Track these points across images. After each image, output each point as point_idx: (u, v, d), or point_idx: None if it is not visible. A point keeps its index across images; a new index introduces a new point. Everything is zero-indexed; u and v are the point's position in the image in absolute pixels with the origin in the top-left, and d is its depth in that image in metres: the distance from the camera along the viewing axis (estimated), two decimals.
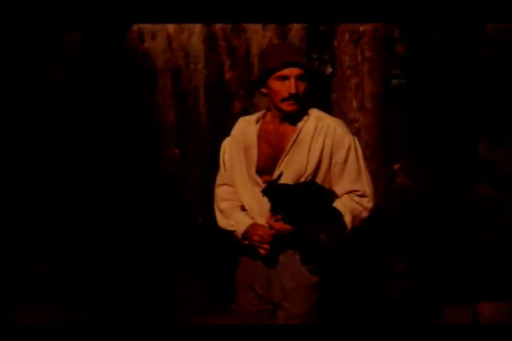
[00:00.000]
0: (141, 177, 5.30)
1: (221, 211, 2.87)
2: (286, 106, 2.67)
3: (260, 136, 2.77)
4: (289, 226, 2.66)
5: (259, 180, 2.74)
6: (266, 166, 2.73)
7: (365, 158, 3.74)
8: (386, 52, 3.78)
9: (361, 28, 3.70)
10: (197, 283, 5.03)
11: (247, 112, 5.38)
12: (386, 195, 4.41)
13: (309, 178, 2.70)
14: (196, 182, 5.34)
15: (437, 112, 6.22)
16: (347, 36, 3.72)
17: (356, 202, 2.73)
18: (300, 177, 2.70)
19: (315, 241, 2.61)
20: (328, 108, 4.51)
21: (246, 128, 2.80)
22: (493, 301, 4.46)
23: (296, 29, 5.28)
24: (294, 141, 2.71)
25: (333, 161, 2.71)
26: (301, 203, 2.66)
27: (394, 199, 5.50)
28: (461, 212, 5.25)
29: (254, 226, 2.72)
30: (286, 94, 2.65)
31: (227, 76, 5.27)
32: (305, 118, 2.73)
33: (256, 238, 2.69)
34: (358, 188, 2.74)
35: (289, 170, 2.70)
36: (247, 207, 2.79)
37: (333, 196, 2.72)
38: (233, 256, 5.14)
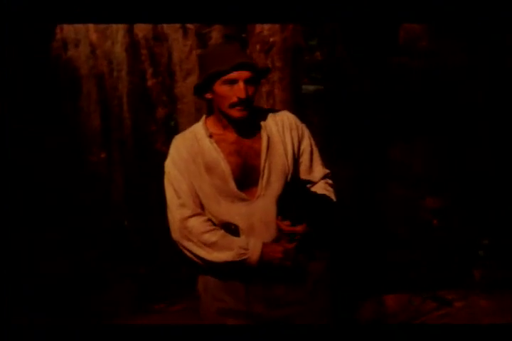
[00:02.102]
0: (68, 181, 5.35)
1: (210, 245, 2.54)
2: (236, 113, 2.49)
3: (222, 149, 2.56)
4: (305, 227, 2.54)
5: (242, 195, 2.54)
6: (244, 179, 2.56)
7: None
8: (294, 62, 4.01)
9: (271, 39, 3.93)
10: (125, 283, 5.14)
11: (169, 118, 5.56)
12: None
13: (292, 174, 2.60)
14: (120, 185, 5.44)
15: (353, 116, 6.51)
16: (258, 47, 3.96)
17: (330, 185, 2.69)
18: (286, 176, 2.58)
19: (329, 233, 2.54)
20: None
21: (196, 146, 2.57)
22: (400, 293, 4.71)
23: (215, 37, 5.47)
24: (268, 145, 2.57)
25: (301, 151, 2.63)
26: (306, 200, 2.56)
27: None
28: (376, 211, 5.52)
29: (268, 245, 2.52)
30: (235, 99, 2.47)
31: (150, 83, 5.39)
32: (259, 118, 2.60)
33: (280, 255, 2.51)
34: (327, 170, 2.71)
35: (276, 173, 2.56)
36: (234, 224, 2.57)
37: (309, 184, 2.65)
38: (158, 257, 5.31)
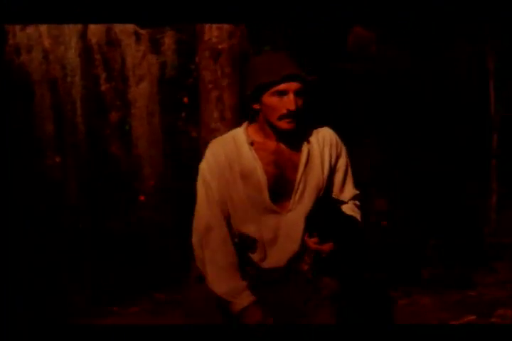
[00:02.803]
0: (22, 185, 5.37)
1: (215, 266, 2.47)
2: (284, 125, 2.41)
3: (260, 158, 2.47)
4: (331, 246, 2.47)
5: (274, 207, 2.47)
6: (278, 190, 2.48)
7: None
8: (242, 68, 4.12)
9: (219, 46, 4.04)
10: (79, 286, 5.18)
11: (123, 122, 5.63)
12: None
13: (323, 191, 2.54)
14: (75, 188, 5.48)
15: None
16: (207, 53, 4.06)
17: (358, 206, 2.64)
18: (319, 192, 2.52)
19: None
20: (196, 118, 4.83)
21: (234, 152, 2.49)
22: None
23: (168, 43, 5.56)
24: (308, 159, 2.51)
25: (336, 168, 2.58)
26: (337, 220, 2.50)
27: None
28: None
29: (253, 309, 2.44)
30: (284, 111, 2.38)
31: (103, 88, 5.44)
32: (302, 131, 2.51)
33: (253, 322, 2.43)
34: (357, 191, 2.66)
35: (310, 188, 2.50)
36: (253, 238, 2.50)
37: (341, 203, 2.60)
38: (112, 260, 5.35)
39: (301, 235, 2.49)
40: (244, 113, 2.54)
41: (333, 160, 2.56)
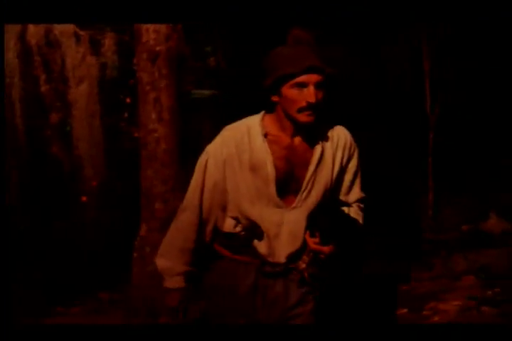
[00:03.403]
0: None
1: (170, 241, 2.56)
2: (303, 117, 2.36)
3: (272, 152, 2.42)
4: (332, 248, 2.45)
5: (280, 202, 2.45)
6: (286, 186, 2.44)
7: (166, 164, 4.24)
8: (180, 69, 4.19)
9: (157, 48, 4.09)
10: (24, 286, 5.18)
11: (64, 123, 5.64)
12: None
13: (330, 192, 2.52)
14: (16, 189, 5.48)
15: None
16: (145, 55, 4.11)
17: (361, 209, 2.63)
18: (326, 191, 2.49)
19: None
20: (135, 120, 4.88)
21: (246, 142, 2.43)
22: None
23: (108, 44, 5.59)
24: (320, 158, 2.46)
25: (347, 170, 2.55)
26: (341, 223, 2.48)
27: None
28: None
29: (176, 293, 2.55)
30: (304, 104, 2.33)
31: (43, 89, 5.43)
32: (318, 129, 2.47)
33: (169, 305, 2.55)
34: (363, 194, 2.64)
35: (318, 187, 2.47)
36: (259, 228, 2.47)
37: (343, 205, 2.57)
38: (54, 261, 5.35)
39: (303, 233, 2.47)
40: (260, 105, 2.47)
41: (345, 161, 2.52)
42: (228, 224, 2.50)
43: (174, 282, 2.54)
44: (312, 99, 2.31)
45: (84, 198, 5.67)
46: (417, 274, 5.40)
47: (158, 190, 4.20)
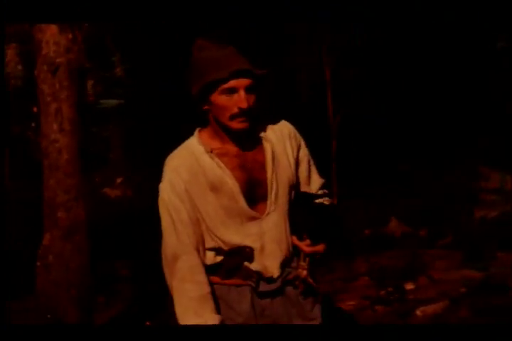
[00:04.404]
0: None
1: (185, 296, 2.26)
2: (237, 124, 2.22)
3: (226, 165, 2.28)
4: (325, 245, 2.32)
5: (253, 212, 2.30)
6: (252, 195, 2.30)
7: (68, 174, 4.31)
8: (80, 81, 4.27)
9: (57, 60, 4.16)
10: None
11: None
12: (94, 205, 4.90)
13: (296, 187, 2.39)
14: None
15: (152, 127, 6.82)
16: (45, 67, 4.17)
17: (327, 195, 2.50)
18: (292, 188, 2.37)
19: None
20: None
21: (195, 165, 2.28)
22: None
23: (11, 55, 5.62)
24: (273, 156, 2.33)
25: (299, 160, 2.41)
26: (322, 216, 2.34)
27: (104, 209, 6.02)
28: None
29: None
30: (236, 110, 2.19)
31: None
32: (258, 129, 2.34)
33: None
34: (323, 180, 2.53)
35: (283, 186, 2.33)
36: (244, 248, 2.30)
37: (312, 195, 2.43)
38: None
39: (286, 237, 2.33)
40: (193, 116, 2.31)
41: (295, 152, 2.38)
42: (209, 257, 2.33)
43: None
44: (244, 105, 2.17)
45: None
46: (319, 277, 5.59)
47: (60, 199, 4.26)
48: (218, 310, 2.30)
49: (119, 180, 6.72)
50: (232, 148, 2.30)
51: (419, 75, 8.28)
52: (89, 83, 6.58)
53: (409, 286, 5.29)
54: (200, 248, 2.30)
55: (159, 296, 5.06)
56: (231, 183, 2.26)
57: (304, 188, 2.43)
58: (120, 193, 6.51)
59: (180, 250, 2.26)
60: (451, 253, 6.21)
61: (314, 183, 2.47)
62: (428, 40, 8.12)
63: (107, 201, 6.39)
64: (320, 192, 2.48)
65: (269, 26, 6.69)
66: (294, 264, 2.36)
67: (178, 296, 2.27)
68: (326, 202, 2.43)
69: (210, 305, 2.26)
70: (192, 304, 2.25)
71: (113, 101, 6.89)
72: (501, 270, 5.49)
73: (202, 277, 2.27)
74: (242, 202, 2.27)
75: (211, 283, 2.31)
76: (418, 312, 4.78)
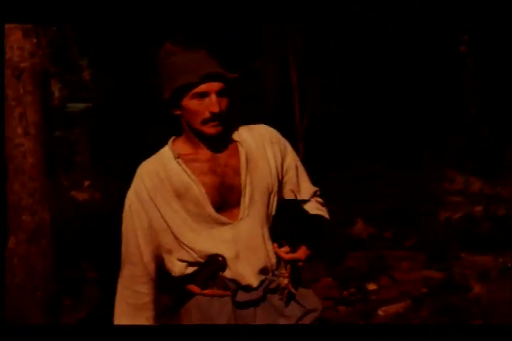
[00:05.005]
0: None
1: (123, 302, 2.32)
2: (209, 129, 2.17)
3: (194, 171, 2.22)
4: (306, 251, 2.21)
5: (222, 218, 2.22)
6: (223, 200, 2.23)
7: (33, 178, 4.34)
8: (44, 85, 4.30)
9: (21, 65, 4.19)
10: None
11: None
12: (61, 209, 4.93)
13: (277, 193, 2.29)
14: None
15: (117, 131, 6.85)
16: (9, 72, 4.20)
17: (321, 203, 2.42)
18: (270, 194, 2.27)
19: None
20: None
21: (161, 172, 2.23)
22: None
23: None
24: (247, 160, 2.25)
25: (285, 167, 2.32)
26: (303, 222, 2.24)
27: (72, 212, 6.04)
28: None
29: None
30: (207, 115, 2.15)
31: None
32: (233, 133, 2.27)
33: None
34: (315, 188, 2.43)
35: (259, 191, 2.24)
36: (215, 255, 2.22)
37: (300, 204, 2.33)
38: None
39: (264, 244, 2.25)
40: (167, 121, 2.33)
41: (279, 158, 2.30)
42: (178, 268, 2.27)
43: None
44: (215, 109, 2.13)
45: None
46: None
47: (25, 203, 4.28)
48: (191, 321, 2.27)
49: (86, 183, 6.74)
50: (204, 153, 2.24)
51: (386, 77, 8.38)
52: (56, 87, 6.61)
53: (372, 287, 5.38)
54: (151, 259, 2.28)
55: None
56: (197, 189, 2.20)
57: (292, 196, 2.32)
58: (88, 196, 6.53)
59: (126, 259, 2.30)
60: (415, 254, 6.31)
61: (305, 191, 2.38)
62: (394, 41, 8.22)
63: (74, 204, 6.41)
64: (312, 200, 2.40)
65: (236, 28, 6.75)
66: (277, 272, 2.26)
67: (118, 299, 2.34)
68: (317, 211, 2.36)
69: (145, 314, 2.31)
70: (128, 309, 2.31)
71: (80, 105, 6.91)
72: (463, 270, 5.60)
73: (141, 288, 2.29)
74: (208, 207, 2.21)
75: (192, 294, 2.28)
76: (380, 312, 4.87)
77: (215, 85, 2.14)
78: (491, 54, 8.24)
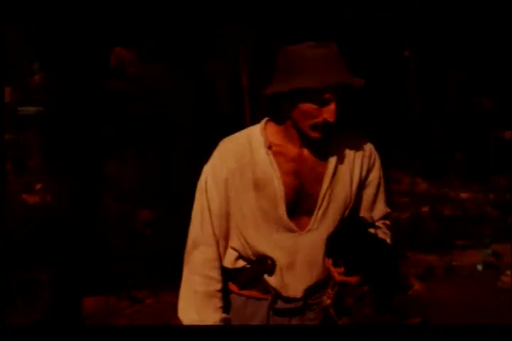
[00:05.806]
0: None
1: (191, 289, 2.14)
2: (316, 134, 2.06)
3: (279, 166, 2.09)
4: (359, 279, 2.09)
5: (291, 224, 2.10)
6: (297, 206, 2.10)
7: None
8: None
9: None
10: None
11: None
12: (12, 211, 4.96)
13: (350, 209, 2.17)
14: None
15: (71, 136, 6.84)
16: None
17: (388, 227, 2.29)
18: (345, 210, 2.15)
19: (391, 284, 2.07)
20: None
21: (248, 156, 2.10)
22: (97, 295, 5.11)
23: None
24: (335, 171, 2.12)
25: (367, 182, 2.21)
26: (368, 246, 2.09)
27: (23, 215, 6.05)
28: (93, 222, 5.90)
29: None
30: (320, 120, 2.03)
31: None
32: (331, 139, 2.13)
33: None
34: (388, 210, 2.30)
35: (336, 205, 2.12)
36: (269, 258, 2.11)
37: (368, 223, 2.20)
38: None
39: (322, 260, 2.13)
40: (267, 109, 2.14)
41: (364, 172, 2.19)
42: (229, 258, 2.17)
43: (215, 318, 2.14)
44: (332, 119, 2.02)
45: None
46: None
47: None
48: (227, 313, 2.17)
49: (38, 187, 6.73)
50: (293, 150, 2.12)
51: None
52: (8, 90, 6.59)
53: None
54: (222, 243, 2.15)
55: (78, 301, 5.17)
56: (277, 186, 2.08)
57: (363, 214, 2.23)
58: (39, 199, 6.52)
59: (200, 240, 2.14)
60: None
61: (377, 212, 2.27)
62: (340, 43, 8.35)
63: (25, 207, 6.41)
64: (380, 222, 2.28)
65: (186, 32, 6.82)
66: (323, 290, 2.17)
67: (184, 287, 2.17)
68: (382, 235, 2.23)
69: (214, 303, 2.14)
70: (195, 298, 2.13)
71: (32, 109, 6.89)
72: (406, 269, 5.73)
73: (213, 273, 2.14)
74: (282, 209, 2.09)
75: (228, 292, 2.19)
76: None
77: (339, 94, 2.03)
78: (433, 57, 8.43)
